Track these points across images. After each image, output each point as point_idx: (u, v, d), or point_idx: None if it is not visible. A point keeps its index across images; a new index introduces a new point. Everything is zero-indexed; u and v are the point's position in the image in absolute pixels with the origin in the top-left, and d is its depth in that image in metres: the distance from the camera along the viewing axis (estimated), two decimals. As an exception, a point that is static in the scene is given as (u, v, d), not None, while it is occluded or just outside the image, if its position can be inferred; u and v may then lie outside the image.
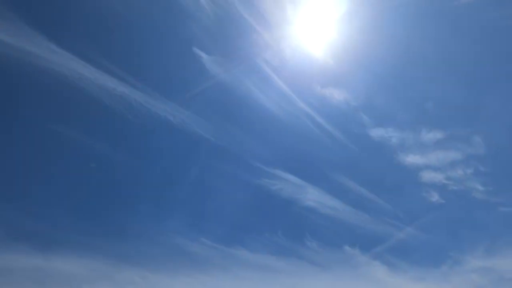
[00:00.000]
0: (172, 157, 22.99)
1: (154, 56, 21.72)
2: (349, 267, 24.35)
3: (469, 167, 25.14)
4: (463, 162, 25.12)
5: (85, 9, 19.46)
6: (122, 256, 20.11)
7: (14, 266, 17.82)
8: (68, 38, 18.78)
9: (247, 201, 24.13)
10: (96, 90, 19.42)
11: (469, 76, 24.66)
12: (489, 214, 25.97)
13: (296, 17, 21.89)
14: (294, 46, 22.58)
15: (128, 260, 20.21)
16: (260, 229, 23.80)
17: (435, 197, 25.37)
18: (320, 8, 21.77)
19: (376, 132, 24.73)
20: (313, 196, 24.33)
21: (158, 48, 21.70)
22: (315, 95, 23.67)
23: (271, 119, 23.64)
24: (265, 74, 22.60)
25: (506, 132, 25.50)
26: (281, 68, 22.68)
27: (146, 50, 21.63)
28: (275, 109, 23.47)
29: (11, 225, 18.31)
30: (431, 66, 24.21)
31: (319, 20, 21.97)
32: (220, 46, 21.79)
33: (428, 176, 25.29)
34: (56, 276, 18.37)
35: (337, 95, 23.57)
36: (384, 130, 24.74)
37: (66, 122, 19.73)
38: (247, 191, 23.89)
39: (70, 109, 19.91)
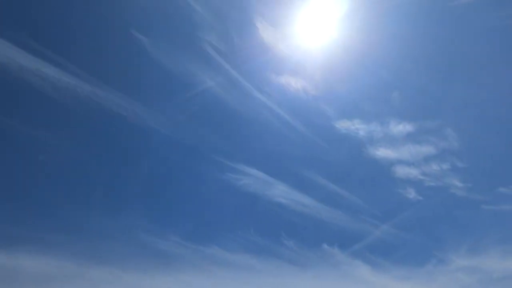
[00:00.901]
0: (129, 152, 22.43)
1: (97, 45, 20.97)
2: (328, 266, 23.88)
3: (444, 162, 25.01)
4: (438, 156, 25.01)
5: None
6: (92, 255, 19.80)
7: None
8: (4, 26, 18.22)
9: (213, 197, 23.77)
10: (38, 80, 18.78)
11: (440, 67, 24.82)
12: (471, 212, 25.90)
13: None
14: (246, 32, 22.11)
15: (98, 258, 19.87)
16: (232, 227, 23.52)
17: (411, 193, 25.13)
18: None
19: (342, 124, 24.38)
20: (281, 193, 24.07)
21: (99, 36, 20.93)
22: (272, 84, 23.35)
23: (230, 112, 23.23)
24: (216, 62, 21.88)
25: (482, 126, 25.50)
26: (235, 56, 22.07)
27: (88, 39, 20.71)
28: (233, 101, 23.08)
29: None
30: (401, 57, 24.10)
31: (272, 7, 21.80)
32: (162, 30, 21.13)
33: (402, 171, 25.12)
34: (23, 275, 18.06)
35: (296, 85, 23.42)
36: (350, 122, 24.34)
37: (8, 114, 19.19)
38: (212, 187, 23.49)
39: (11, 100, 19.34)
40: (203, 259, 22.09)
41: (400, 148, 24.82)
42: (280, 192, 24.04)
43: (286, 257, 23.54)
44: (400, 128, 24.52)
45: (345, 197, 24.82)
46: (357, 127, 24.42)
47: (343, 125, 24.34)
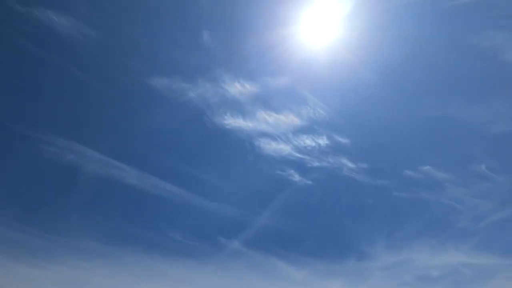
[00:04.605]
0: None
1: None
2: (220, 259, 22.09)
3: (318, 135, 23.03)
4: (308, 128, 22.83)
5: None
6: None
7: None
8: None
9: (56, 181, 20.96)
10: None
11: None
12: (382, 200, 24.45)
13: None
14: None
15: None
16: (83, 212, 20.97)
17: (296, 177, 23.12)
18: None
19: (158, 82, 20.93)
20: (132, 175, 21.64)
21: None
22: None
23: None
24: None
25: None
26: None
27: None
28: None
29: None
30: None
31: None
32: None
33: (268, 147, 22.68)
34: None
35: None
36: (170, 80, 21.13)
37: None
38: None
39: None
40: (69, 252, 19.94)
41: (254, 117, 22.10)
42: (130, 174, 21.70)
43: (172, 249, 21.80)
44: (247, 89, 21.49)
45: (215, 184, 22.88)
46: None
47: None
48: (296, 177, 23.25)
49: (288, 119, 22.30)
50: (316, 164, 23.36)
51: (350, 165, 23.55)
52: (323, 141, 23.19)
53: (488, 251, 23.87)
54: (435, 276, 22.80)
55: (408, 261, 23.20)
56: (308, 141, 23.10)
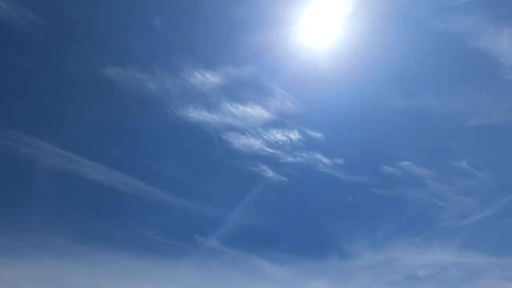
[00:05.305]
0: None
1: None
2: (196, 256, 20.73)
3: (289, 129, 22.02)
4: (277, 122, 21.69)
5: None
6: None
7: None
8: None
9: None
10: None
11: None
12: (362, 197, 23.44)
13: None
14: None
15: None
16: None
17: (269, 173, 21.99)
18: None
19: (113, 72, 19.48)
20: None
21: None
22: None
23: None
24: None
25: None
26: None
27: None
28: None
29: None
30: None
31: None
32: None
33: (238, 142, 21.56)
34: None
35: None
36: (125, 69, 19.60)
37: None
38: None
39: None
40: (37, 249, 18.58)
41: (219, 108, 20.91)
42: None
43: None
44: (209, 79, 20.16)
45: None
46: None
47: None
48: (270, 173, 22.13)
49: (256, 112, 21.11)
50: (290, 159, 22.30)
51: (326, 160, 22.43)
52: (294, 135, 22.13)
53: (476, 250, 22.98)
54: (422, 275, 21.82)
55: (394, 260, 22.18)
56: (278, 135, 21.99)
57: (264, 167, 21.91)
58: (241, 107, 20.81)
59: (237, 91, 20.92)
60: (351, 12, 20.56)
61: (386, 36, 21.79)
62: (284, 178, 22.25)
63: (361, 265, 21.73)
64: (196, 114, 20.66)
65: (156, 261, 20.44)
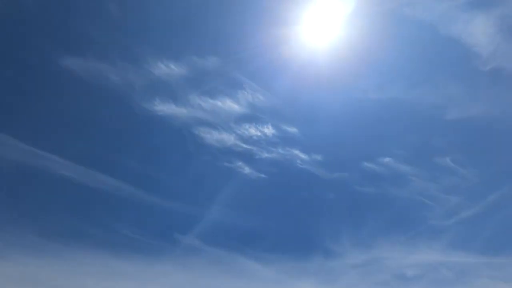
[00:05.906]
0: None
1: None
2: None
3: (262, 123, 21.14)
4: (249, 116, 20.83)
5: None
6: None
7: None
8: None
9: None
10: None
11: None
12: (344, 195, 22.29)
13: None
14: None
15: None
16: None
17: (246, 169, 20.92)
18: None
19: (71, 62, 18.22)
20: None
21: None
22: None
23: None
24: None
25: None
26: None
27: None
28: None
29: None
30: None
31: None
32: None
33: (210, 137, 20.49)
34: None
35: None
36: (83, 59, 18.34)
37: None
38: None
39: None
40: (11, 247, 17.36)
41: (187, 103, 19.99)
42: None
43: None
44: (175, 71, 19.13)
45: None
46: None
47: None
48: (246, 170, 21.02)
49: (226, 106, 20.09)
50: (266, 155, 21.22)
51: (303, 156, 21.40)
52: (268, 130, 21.13)
53: (464, 249, 21.99)
54: (410, 275, 20.45)
55: (380, 259, 20.95)
56: (252, 130, 20.98)
57: (240, 163, 20.91)
58: (210, 100, 19.81)
59: (205, 83, 19.97)
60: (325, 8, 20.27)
61: (359, 29, 21.38)
62: (262, 175, 21.21)
63: (347, 264, 20.60)
64: (163, 107, 19.60)
65: (134, 260, 19.27)
